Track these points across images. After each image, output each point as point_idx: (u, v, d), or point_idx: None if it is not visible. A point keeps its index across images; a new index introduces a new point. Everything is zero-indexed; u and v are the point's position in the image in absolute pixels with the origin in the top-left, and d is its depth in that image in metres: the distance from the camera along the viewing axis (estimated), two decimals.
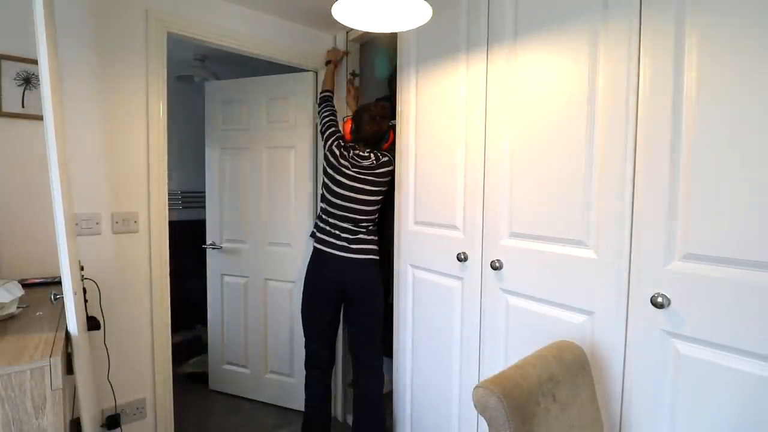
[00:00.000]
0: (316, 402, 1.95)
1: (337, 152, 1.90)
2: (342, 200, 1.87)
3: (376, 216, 1.93)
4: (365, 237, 1.87)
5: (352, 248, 1.85)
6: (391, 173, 1.89)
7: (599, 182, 1.11)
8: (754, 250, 0.86)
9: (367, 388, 1.89)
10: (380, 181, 1.88)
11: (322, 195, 1.94)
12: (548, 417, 0.92)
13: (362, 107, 1.98)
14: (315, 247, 1.94)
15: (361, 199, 1.86)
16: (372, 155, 1.89)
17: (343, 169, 1.87)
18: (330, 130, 1.98)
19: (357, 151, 1.89)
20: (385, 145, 1.96)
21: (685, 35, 0.95)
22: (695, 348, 0.95)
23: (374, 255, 1.88)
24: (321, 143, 2.03)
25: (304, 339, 1.97)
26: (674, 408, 0.99)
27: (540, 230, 1.27)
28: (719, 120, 0.90)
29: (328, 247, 1.88)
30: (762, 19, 0.84)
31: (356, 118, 1.94)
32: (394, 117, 1.91)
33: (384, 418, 1.89)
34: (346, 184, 1.86)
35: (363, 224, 1.88)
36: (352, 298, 1.87)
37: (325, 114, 2.04)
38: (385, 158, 1.90)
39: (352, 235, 1.86)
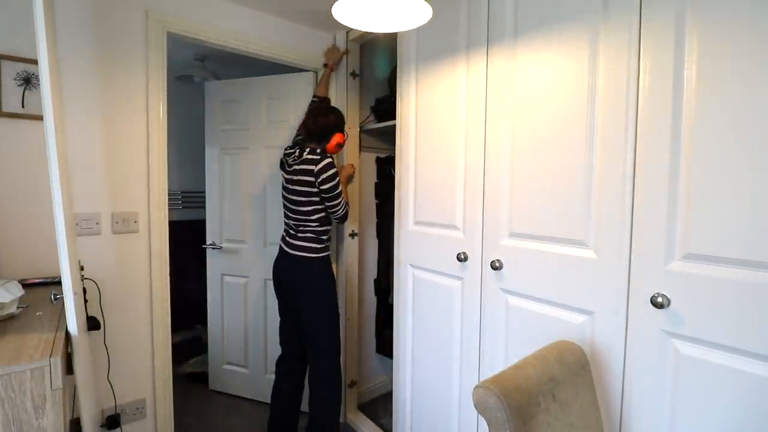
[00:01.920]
0: (279, 399, 2.00)
1: (281, 157, 1.98)
2: (283, 198, 1.94)
3: (316, 223, 1.88)
4: (302, 237, 1.88)
5: (293, 244, 1.89)
6: (320, 173, 1.79)
7: (599, 182, 1.11)
8: (754, 250, 0.86)
9: (310, 380, 1.93)
10: (303, 180, 1.81)
11: None
12: (548, 417, 0.92)
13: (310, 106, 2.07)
14: None
15: (291, 199, 1.89)
16: (298, 150, 1.86)
17: (282, 170, 1.94)
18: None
19: (287, 151, 1.92)
20: (330, 146, 1.90)
21: (685, 32, 0.95)
22: (695, 348, 0.95)
23: (309, 252, 1.87)
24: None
25: None
26: (674, 408, 0.99)
27: (540, 230, 1.27)
28: (719, 119, 0.90)
29: (279, 250, 1.97)
30: (762, 14, 0.84)
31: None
32: (340, 123, 1.94)
33: (329, 416, 1.88)
34: (283, 181, 1.93)
35: (301, 227, 1.89)
36: (288, 290, 1.93)
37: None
38: (315, 156, 1.81)
39: (294, 237, 1.90)
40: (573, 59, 1.17)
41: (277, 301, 2.02)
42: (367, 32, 2.03)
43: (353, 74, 2.27)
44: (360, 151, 2.37)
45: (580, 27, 1.15)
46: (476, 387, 0.89)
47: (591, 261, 1.14)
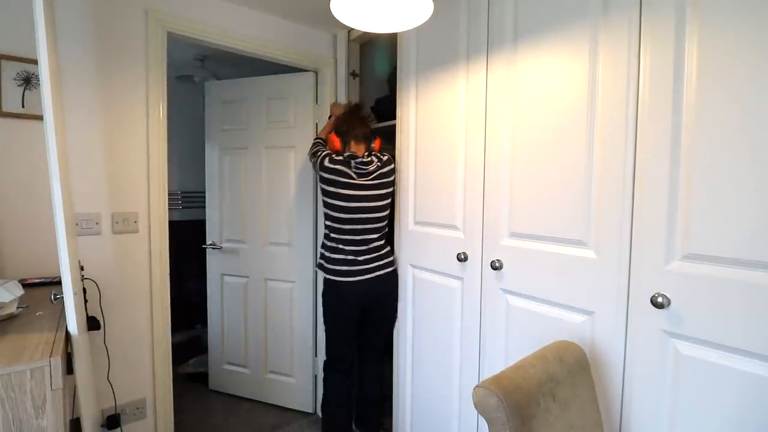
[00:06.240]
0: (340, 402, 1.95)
1: (335, 167, 1.76)
2: (355, 213, 1.76)
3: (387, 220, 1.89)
4: (383, 247, 1.86)
5: (375, 266, 1.81)
6: (394, 171, 1.87)
7: (599, 182, 1.11)
8: (754, 250, 0.86)
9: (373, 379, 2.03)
10: (388, 182, 1.83)
11: (327, 216, 1.82)
12: (548, 417, 0.92)
13: (340, 119, 1.96)
14: (330, 280, 1.81)
15: (375, 207, 1.80)
16: (374, 158, 1.83)
17: (349, 180, 1.75)
18: (316, 149, 1.91)
19: (359, 159, 1.77)
20: (375, 147, 1.92)
21: (686, 28, 0.94)
22: (695, 348, 0.95)
23: (394, 264, 1.89)
24: None
25: (326, 343, 1.93)
26: (674, 408, 0.99)
27: (540, 230, 1.27)
28: (720, 117, 0.90)
29: (347, 276, 1.78)
30: (762, 9, 0.84)
31: (342, 125, 1.90)
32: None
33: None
34: (355, 195, 1.75)
35: (378, 234, 1.85)
36: (375, 307, 1.89)
37: (312, 145, 2.00)
38: (386, 156, 1.86)
39: (373, 252, 1.82)
40: (573, 59, 1.17)
41: (346, 312, 1.87)
42: (367, 32, 2.02)
43: (353, 74, 2.26)
44: None
45: (580, 26, 1.15)
46: (476, 387, 0.89)
47: (591, 261, 1.14)
